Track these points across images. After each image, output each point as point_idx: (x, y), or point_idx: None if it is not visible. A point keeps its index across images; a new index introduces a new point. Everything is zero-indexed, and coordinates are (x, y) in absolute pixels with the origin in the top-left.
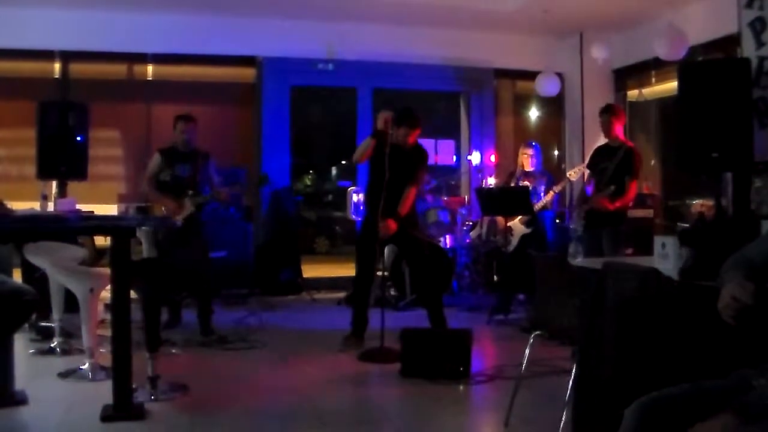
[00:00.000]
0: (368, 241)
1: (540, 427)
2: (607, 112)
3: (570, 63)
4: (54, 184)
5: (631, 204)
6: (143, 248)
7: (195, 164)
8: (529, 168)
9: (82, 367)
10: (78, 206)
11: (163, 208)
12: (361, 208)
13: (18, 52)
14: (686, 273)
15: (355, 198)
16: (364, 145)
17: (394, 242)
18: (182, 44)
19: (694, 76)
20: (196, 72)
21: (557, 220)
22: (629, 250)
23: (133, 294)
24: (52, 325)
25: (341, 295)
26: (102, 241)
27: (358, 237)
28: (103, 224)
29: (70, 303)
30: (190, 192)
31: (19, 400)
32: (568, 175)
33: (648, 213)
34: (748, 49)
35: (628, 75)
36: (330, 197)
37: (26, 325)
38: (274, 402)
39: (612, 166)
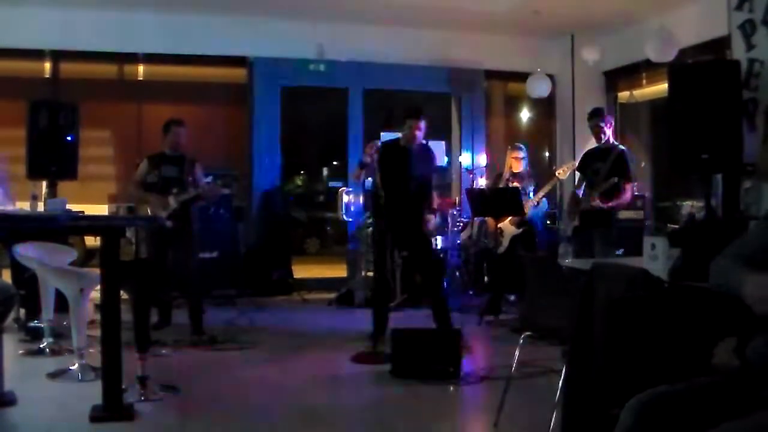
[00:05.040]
0: (384, 245)
1: (530, 428)
2: (596, 117)
3: (561, 64)
4: (44, 184)
5: (626, 205)
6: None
7: (182, 166)
8: (517, 170)
9: (72, 367)
10: (68, 206)
11: (148, 210)
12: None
13: (8, 51)
14: (675, 273)
15: (345, 198)
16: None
17: (408, 244)
18: (173, 44)
19: (685, 78)
20: (186, 72)
21: (548, 221)
22: (620, 251)
23: (123, 294)
24: (42, 325)
25: (332, 295)
26: (92, 241)
27: (377, 241)
28: (92, 224)
29: (60, 303)
30: (175, 190)
31: (8, 400)
32: (557, 174)
33: (638, 214)
34: (737, 51)
35: (618, 77)
36: (321, 198)
37: (15, 326)
38: (264, 402)
39: (605, 167)
